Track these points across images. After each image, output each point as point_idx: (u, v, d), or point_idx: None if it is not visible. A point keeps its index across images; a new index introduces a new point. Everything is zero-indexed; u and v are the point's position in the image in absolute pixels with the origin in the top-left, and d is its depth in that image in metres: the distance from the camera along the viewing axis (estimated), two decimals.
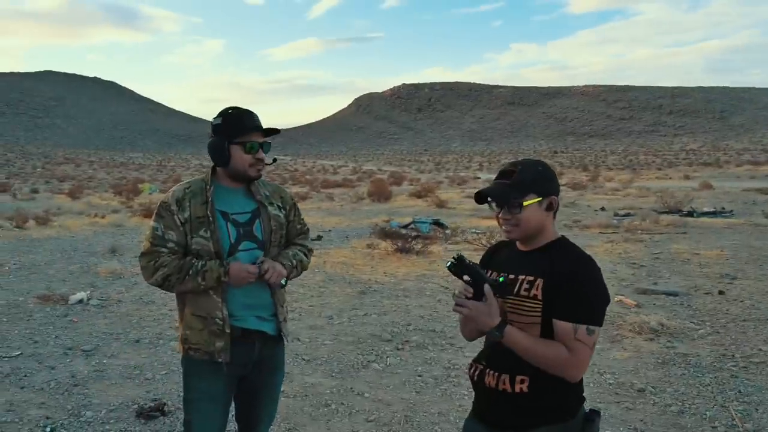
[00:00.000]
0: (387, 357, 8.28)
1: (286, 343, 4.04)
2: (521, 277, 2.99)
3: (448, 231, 20.54)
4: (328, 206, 34.86)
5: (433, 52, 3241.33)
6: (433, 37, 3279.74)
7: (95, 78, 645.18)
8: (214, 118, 3.78)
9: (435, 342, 8.96)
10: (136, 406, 6.54)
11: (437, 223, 22.34)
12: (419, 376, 7.58)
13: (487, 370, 3.08)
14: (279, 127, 3.88)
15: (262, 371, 3.91)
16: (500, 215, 3.05)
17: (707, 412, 6.44)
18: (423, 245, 16.46)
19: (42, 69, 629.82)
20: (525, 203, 2.94)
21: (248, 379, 3.89)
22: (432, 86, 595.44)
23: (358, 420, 6.32)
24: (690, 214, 25.87)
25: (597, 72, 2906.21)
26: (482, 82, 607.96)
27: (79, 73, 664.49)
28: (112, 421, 6.23)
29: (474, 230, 20.88)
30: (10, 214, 25.67)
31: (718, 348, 8.55)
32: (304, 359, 8.13)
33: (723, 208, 28.01)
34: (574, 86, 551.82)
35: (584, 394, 3.07)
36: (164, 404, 6.49)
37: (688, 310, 10.55)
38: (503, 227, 3.06)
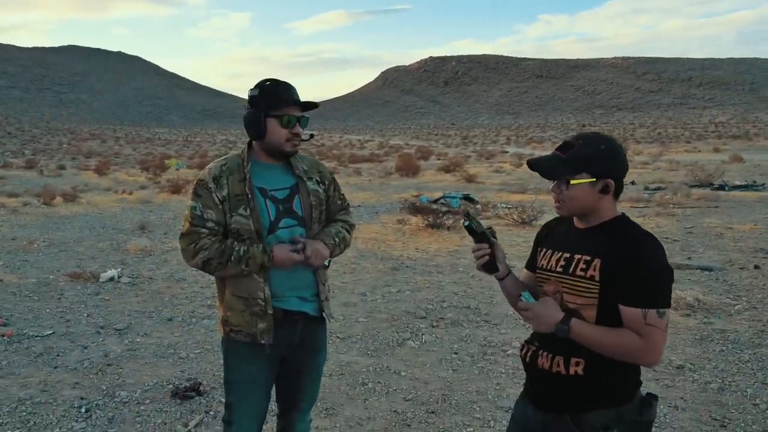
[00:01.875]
0: (422, 334, 8.17)
1: (328, 323, 3.92)
2: (577, 256, 2.85)
3: (478, 206, 20.35)
4: (357, 181, 34.80)
5: (460, 24, 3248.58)
6: (460, 8, 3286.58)
7: (119, 53, 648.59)
8: (252, 89, 3.64)
9: (470, 319, 8.84)
10: (171, 386, 6.45)
11: (467, 197, 22.22)
12: (455, 353, 7.48)
13: (541, 351, 2.95)
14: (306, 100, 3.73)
15: (304, 352, 3.81)
16: (551, 187, 2.92)
17: (748, 390, 6.34)
18: (454, 220, 16.35)
19: (65, 44, 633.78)
20: (573, 182, 2.80)
21: (290, 360, 3.78)
22: (459, 59, 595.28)
23: (396, 399, 6.22)
24: (721, 187, 25.75)
25: (626, 44, 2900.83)
26: (510, 55, 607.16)
27: (102, 48, 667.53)
28: (147, 401, 6.14)
29: (504, 205, 20.74)
30: (38, 191, 25.81)
31: (756, 324, 8.40)
32: (338, 337, 8.04)
33: (754, 182, 27.90)
34: (602, 58, 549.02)
35: (641, 377, 2.93)
36: (200, 384, 6.38)
37: (724, 285, 10.41)
38: (554, 202, 2.95)
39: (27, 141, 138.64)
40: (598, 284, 2.74)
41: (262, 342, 3.58)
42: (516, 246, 13.77)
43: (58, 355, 7.38)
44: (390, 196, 25.39)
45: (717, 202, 21.40)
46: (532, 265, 3.19)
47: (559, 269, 2.92)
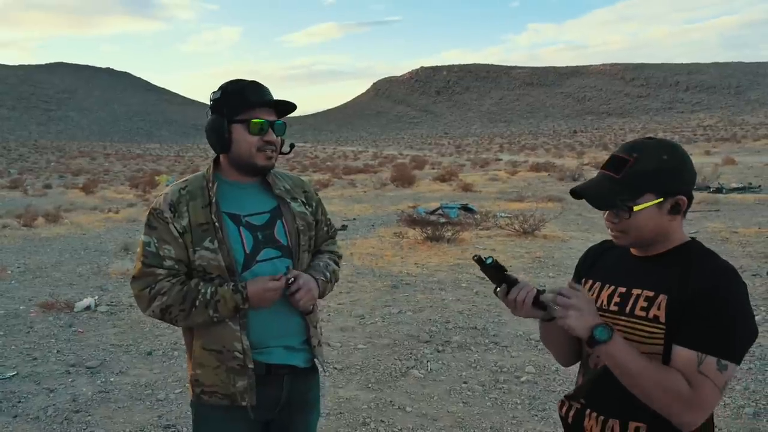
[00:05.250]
0: (427, 361, 7.57)
1: (321, 372, 3.26)
2: (636, 291, 2.27)
3: (477, 216, 19.76)
4: (351, 193, 34.24)
5: (450, 35, 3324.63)
6: (450, 19, 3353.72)
7: (108, 69, 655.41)
8: (214, 92, 2.99)
9: (477, 341, 8.26)
10: None
11: (465, 207, 21.87)
12: (465, 382, 6.91)
13: (588, 410, 2.37)
14: (297, 113, 3.01)
15: (293, 412, 3.12)
16: (606, 217, 2.33)
17: None
18: (454, 232, 15.86)
19: (53, 61, 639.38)
20: (637, 208, 2.20)
21: (275, 422, 3.11)
22: (450, 69, 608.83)
23: None
24: (719, 190, 26.00)
25: (614, 51, 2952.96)
26: (500, 64, 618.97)
27: (91, 65, 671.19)
28: None
29: (503, 214, 20.30)
30: (20, 212, 24.81)
31: None
32: (336, 368, 7.41)
33: (750, 184, 28.08)
34: (591, 65, 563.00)
35: None
36: None
37: None
38: (610, 232, 2.36)
39: (14, 160, 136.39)
40: (663, 327, 2.16)
41: (243, 404, 2.92)
42: (519, 258, 13.36)
43: (19, 402, 6.60)
44: (386, 208, 24.96)
45: (717, 205, 21.48)
46: None
47: (613, 308, 2.33)
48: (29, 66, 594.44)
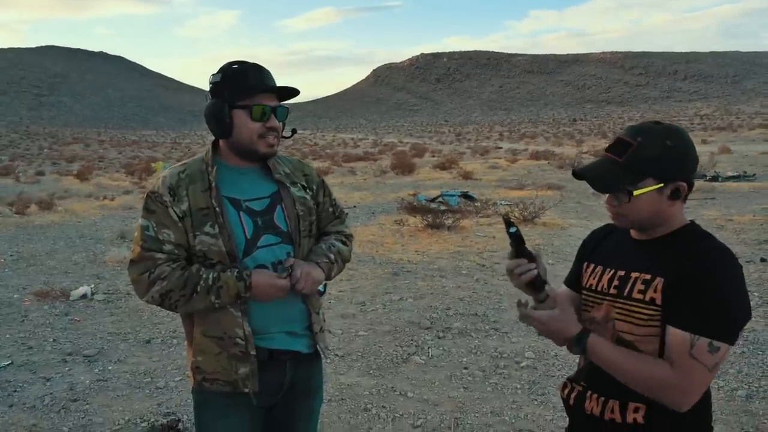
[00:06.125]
0: (428, 348, 7.59)
1: (324, 359, 3.21)
2: (634, 274, 2.32)
3: (477, 204, 19.76)
4: (351, 181, 34.20)
5: (451, 21, 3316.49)
6: (451, 4, 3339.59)
7: (101, 53, 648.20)
8: (213, 74, 2.91)
9: (478, 327, 8.28)
10: (145, 423, 5.69)
11: (465, 195, 21.96)
12: (465, 368, 6.93)
13: (589, 392, 2.44)
14: (296, 100, 3.12)
15: (297, 398, 3.10)
16: (606, 199, 2.38)
17: None
18: (454, 220, 15.89)
19: (44, 44, 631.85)
20: (636, 192, 2.24)
21: (278, 407, 3.08)
22: (451, 56, 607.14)
23: (403, 426, 5.63)
24: (715, 178, 26.37)
25: (614, 39, 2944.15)
26: (501, 51, 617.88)
27: (83, 48, 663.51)
28: None
29: (503, 202, 20.42)
30: (12, 199, 24.58)
31: None
32: (337, 355, 7.39)
33: (745, 172, 28.77)
34: (591, 53, 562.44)
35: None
36: (178, 421, 5.60)
37: None
38: (609, 213, 2.41)
39: (5, 146, 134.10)
40: (659, 310, 2.21)
41: (246, 390, 2.88)
42: None
43: (15, 391, 6.50)
44: (386, 196, 24.93)
45: (713, 193, 21.92)
46: (574, 282, 2.67)
47: (613, 291, 2.38)
48: (20, 49, 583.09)
